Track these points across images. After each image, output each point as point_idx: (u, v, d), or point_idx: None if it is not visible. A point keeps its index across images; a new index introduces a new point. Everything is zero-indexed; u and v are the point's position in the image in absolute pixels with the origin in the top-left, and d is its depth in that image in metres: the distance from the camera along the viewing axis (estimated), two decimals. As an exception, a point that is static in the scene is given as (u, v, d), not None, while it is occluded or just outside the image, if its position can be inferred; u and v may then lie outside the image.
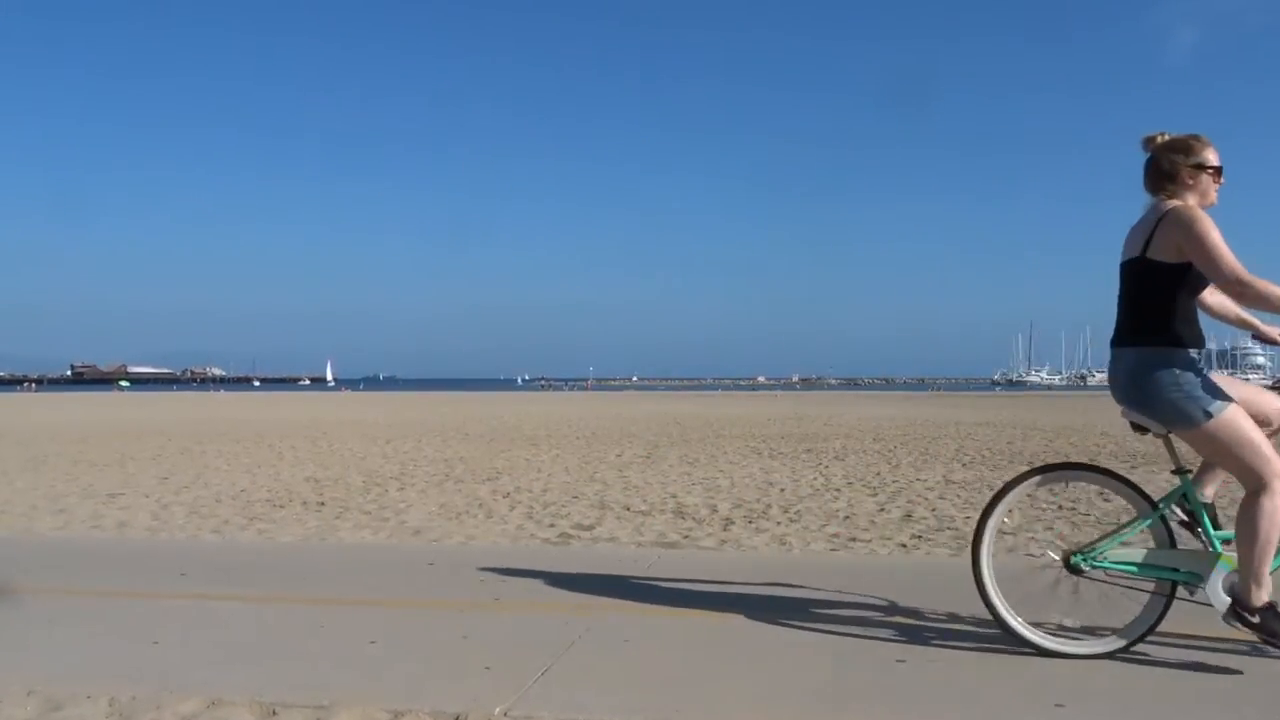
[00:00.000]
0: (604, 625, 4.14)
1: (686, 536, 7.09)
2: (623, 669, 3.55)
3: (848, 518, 7.98)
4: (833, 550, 6.52)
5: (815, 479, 10.94)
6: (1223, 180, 3.56)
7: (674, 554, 6.16)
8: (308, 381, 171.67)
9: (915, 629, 4.03)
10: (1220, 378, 3.51)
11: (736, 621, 4.20)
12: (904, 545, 6.71)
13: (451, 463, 13.27)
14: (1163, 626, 3.59)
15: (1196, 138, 3.60)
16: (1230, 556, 3.48)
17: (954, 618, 4.19)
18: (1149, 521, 3.63)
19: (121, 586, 5.06)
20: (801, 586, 4.87)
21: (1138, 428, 3.67)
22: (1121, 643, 3.59)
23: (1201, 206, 3.52)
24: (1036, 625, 3.71)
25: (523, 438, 18.90)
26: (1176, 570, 3.56)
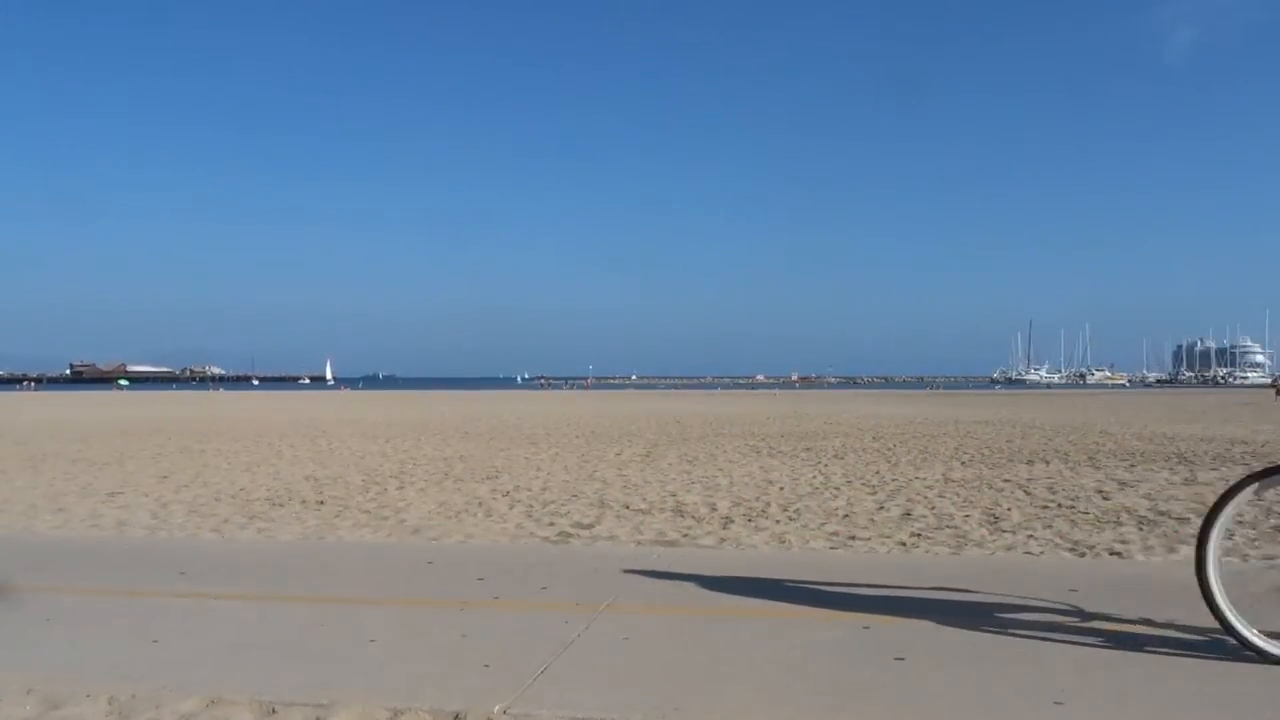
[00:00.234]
0: (603, 623, 4.14)
1: (686, 535, 7.09)
2: (622, 667, 3.55)
3: (847, 516, 7.98)
4: (832, 548, 6.52)
5: (814, 477, 10.94)
6: None
7: (674, 552, 6.16)
8: (308, 380, 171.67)
9: (914, 627, 4.03)
10: None
11: (736, 620, 4.20)
12: (903, 543, 6.71)
13: (451, 461, 13.27)
14: (1166, 621, 3.59)
15: None
16: None
17: (952, 615, 4.19)
18: None
19: (121, 585, 5.06)
20: (801, 584, 4.87)
21: None
22: None
23: None
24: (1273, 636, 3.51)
25: (522, 436, 18.90)
26: None
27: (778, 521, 7.70)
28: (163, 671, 3.52)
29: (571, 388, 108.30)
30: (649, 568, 5.39)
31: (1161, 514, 7.79)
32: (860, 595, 4.63)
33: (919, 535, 7.03)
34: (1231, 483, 3.79)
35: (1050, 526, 7.32)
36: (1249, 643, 3.49)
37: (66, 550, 6.30)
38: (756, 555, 6.22)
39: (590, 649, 3.77)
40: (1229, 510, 3.57)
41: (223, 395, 66.95)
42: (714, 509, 8.43)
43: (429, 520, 7.90)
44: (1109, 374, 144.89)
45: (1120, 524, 7.35)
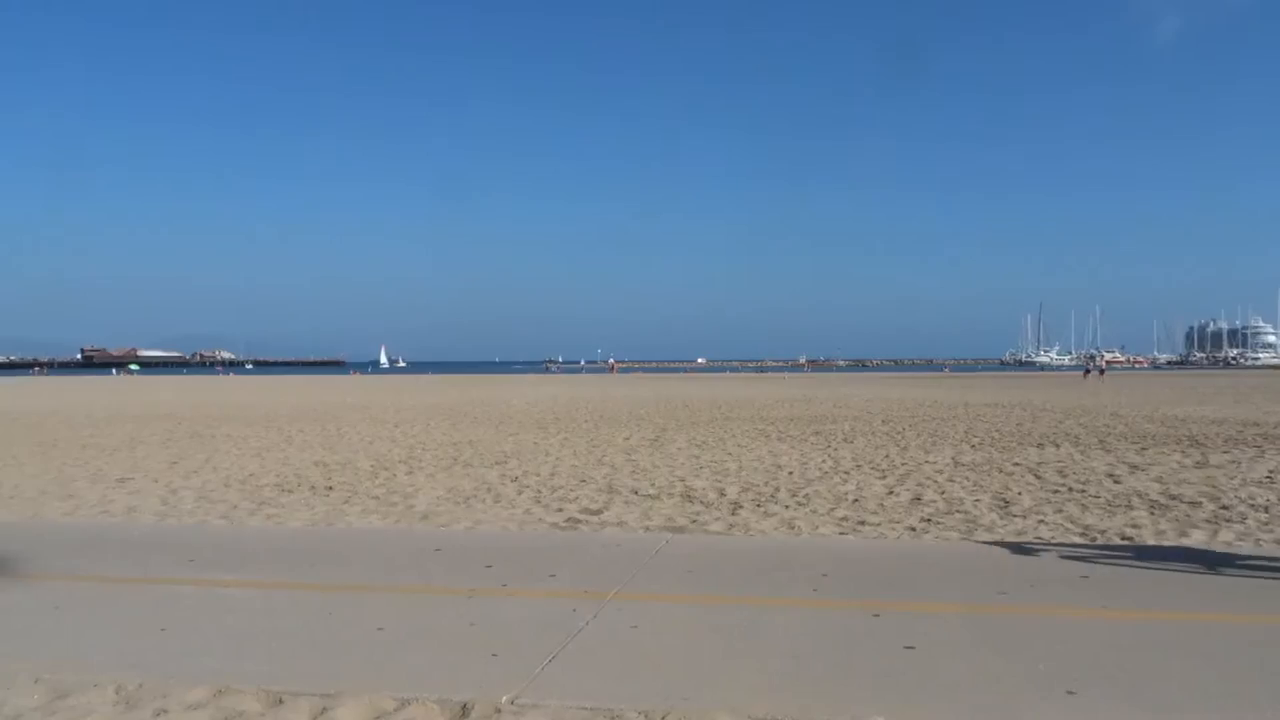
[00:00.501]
0: (612, 611, 4.12)
1: (695, 520, 7.07)
2: (631, 655, 3.53)
3: (856, 501, 7.94)
4: (841, 534, 6.49)
5: (824, 461, 10.90)
6: None
7: (682, 538, 6.14)
8: (323, 365, 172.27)
9: (925, 614, 4.00)
10: None
11: (744, 607, 4.18)
12: (913, 529, 6.67)
13: (460, 446, 13.27)
14: (1170, 610, 3.56)
15: None
16: None
17: (963, 603, 4.16)
18: None
19: (130, 573, 5.06)
20: (810, 571, 4.84)
21: None
22: None
23: None
24: None
25: (531, 421, 18.90)
26: None
27: (787, 507, 7.67)
28: (170, 660, 3.52)
29: (587, 371, 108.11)
30: (657, 554, 5.37)
31: (1173, 498, 7.72)
32: (870, 581, 4.60)
33: (929, 520, 6.99)
34: None
35: (1061, 511, 7.27)
36: None
37: (76, 537, 6.32)
38: (766, 541, 6.20)
39: (598, 637, 3.76)
40: None
41: (232, 380, 67.18)
42: (723, 494, 8.41)
43: (437, 506, 7.90)
44: (1118, 356, 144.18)
45: (1131, 508, 7.30)
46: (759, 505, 7.76)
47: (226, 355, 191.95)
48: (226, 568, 5.15)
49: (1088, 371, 62.37)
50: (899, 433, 15.08)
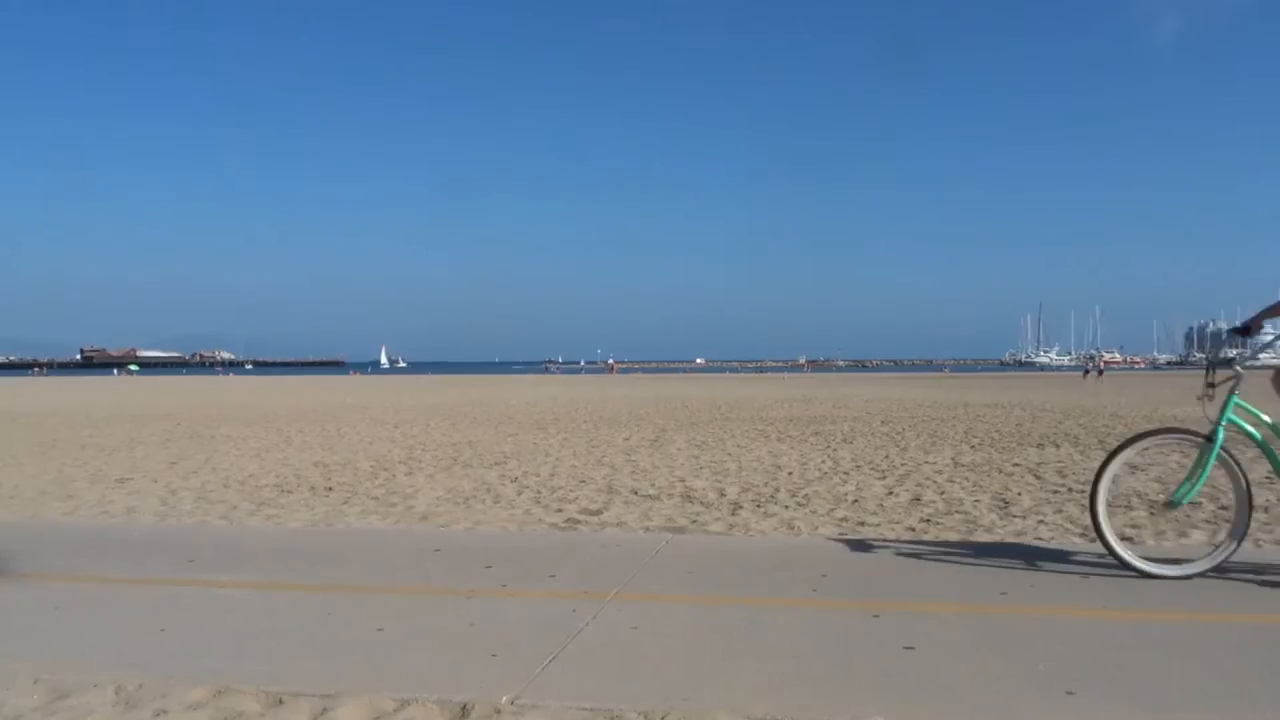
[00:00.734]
0: (612, 612, 4.12)
1: (694, 521, 7.07)
2: (631, 656, 3.53)
3: (856, 501, 7.95)
4: (841, 534, 6.49)
5: (823, 462, 10.90)
6: None
7: (682, 538, 6.14)
8: (323, 365, 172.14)
9: (924, 615, 4.00)
10: None
11: (744, 607, 4.18)
12: (913, 529, 6.67)
13: (459, 447, 13.27)
14: (1170, 610, 3.56)
15: None
16: None
17: (963, 603, 4.16)
18: None
19: (129, 573, 5.06)
20: (810, 571, 4.84)
21: None
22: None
23: None
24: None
25: (530, 421, 18.91)
26: None
27: (786, 507, 7.67)
28: (170, 661, 3.52)
29: (587, 372, 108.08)
30: (657, 554, 5.37)
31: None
32: (870, 582, 4.60)
33: (928, 520, 7.00)
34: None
35: (1061, 511, 7.28)
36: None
37: (75, 537, 6.31)
38: (765, 541, 6.20)
39: (598, 638, 3.76)
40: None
41: (232, 380, 67.14)
42: (723, 494, 8.41)
43: (437, 506, 7.90)
44: (1116, 356, 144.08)
45: (1131, 508, 7.30)
46: (759, 506, 7.76)
47: (226, 355, 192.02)
48: (226, 568, 5.15)
49: (1087, 372, 62.88)
50: (899, 433, 15.08)
